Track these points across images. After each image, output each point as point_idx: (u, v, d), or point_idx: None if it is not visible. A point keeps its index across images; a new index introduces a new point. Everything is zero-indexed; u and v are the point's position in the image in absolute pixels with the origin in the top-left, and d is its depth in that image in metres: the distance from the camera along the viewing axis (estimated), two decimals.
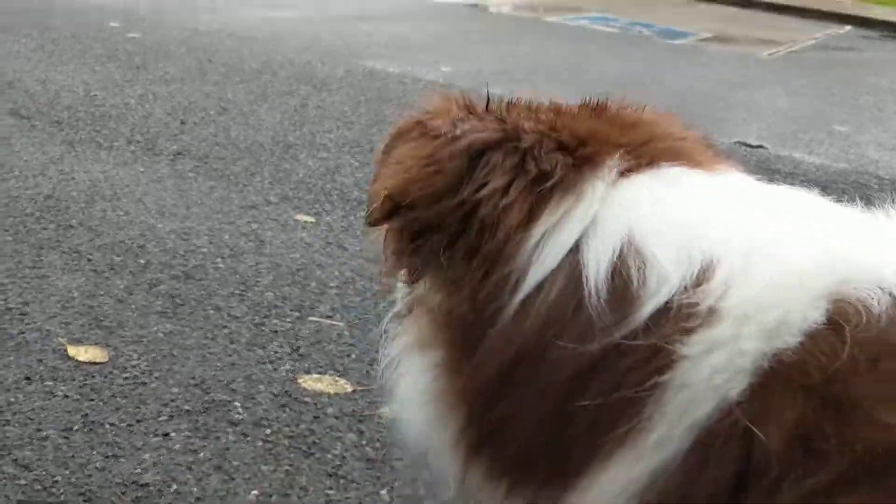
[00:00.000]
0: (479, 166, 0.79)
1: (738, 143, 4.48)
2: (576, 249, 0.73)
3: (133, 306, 2.16)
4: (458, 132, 0.81)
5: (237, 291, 2.29)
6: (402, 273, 0.88)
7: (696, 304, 0.68)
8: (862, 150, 4.62)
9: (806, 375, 0.63)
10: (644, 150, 0.82)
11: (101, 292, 2.21)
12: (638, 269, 0.70)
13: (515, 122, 0.82)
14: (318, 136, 3.75)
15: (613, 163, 0.79)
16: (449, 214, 0.79)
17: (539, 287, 0.74)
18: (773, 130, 4.87)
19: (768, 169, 4.02)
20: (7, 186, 2.80)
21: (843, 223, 0.76)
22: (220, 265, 2.43)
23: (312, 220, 2.83)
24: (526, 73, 5.82)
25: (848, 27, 11.49)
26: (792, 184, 3.39)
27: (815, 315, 0.66)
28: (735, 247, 0.71)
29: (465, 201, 0.78)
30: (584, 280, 0.71)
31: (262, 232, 2.69)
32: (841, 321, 0.65)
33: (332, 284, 2.40)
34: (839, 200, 3.35)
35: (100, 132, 3.45)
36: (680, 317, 0.68)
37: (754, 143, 4.51)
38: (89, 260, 2.37)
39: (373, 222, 0.85)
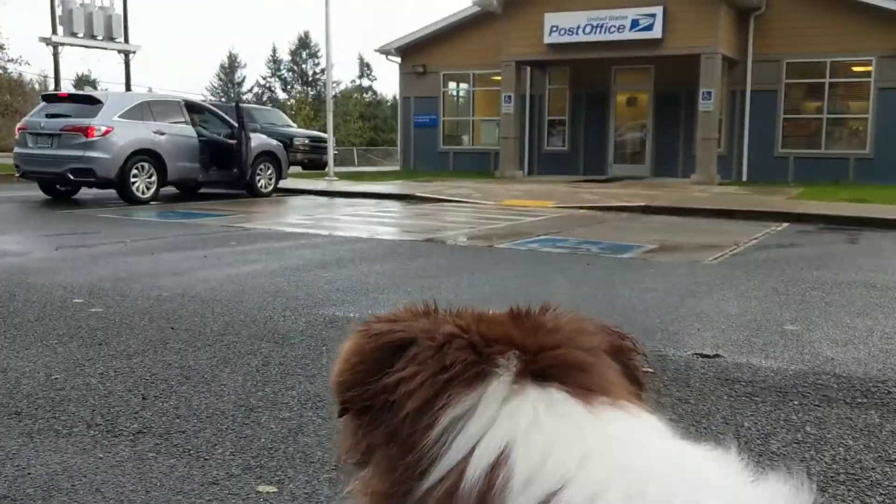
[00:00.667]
0: (399, 359, 0.90)
1: (695, 354, 4.57)
2: (474, 447, 0.81)
3: None
4: (385, 329, 0.94)
5: None
6: (352, 457, 0.95)
7: None
8: (816, 349, 4.73)
9: None
10: (543, 356, 0.88)
11: None
12: (502, 480, 0.77)
13: (439, 323, 0.93)
14: (281, 395, 3.77)
15: (509, 364, 0.86)
16: (371, 398, 0.89)
17: (442, 478, 0.81)
18: (726, 337, 5.00)
19: (728, 379, 4.09)
20: None
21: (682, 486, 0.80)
22: None
23: (275, 489, 2.78)
24: (481, 302, 5.92)
25: (785, 224, 12.17)
26: (753, 393, 3.43)
27: None
28: (588, 489, 0.76)
29: (384, 387, 0.88)
30: (465, 477, 0.79)
31: None
32: None
33: None
34: (801, 405, 3.38)
35: (58, 418, 3.43)
36: None
37: (710, 352, 4.61)
38: None
39: (338, 413, 0.96)
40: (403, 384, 0.87)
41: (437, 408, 0.84)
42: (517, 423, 0.81)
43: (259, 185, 16.36)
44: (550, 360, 0.87)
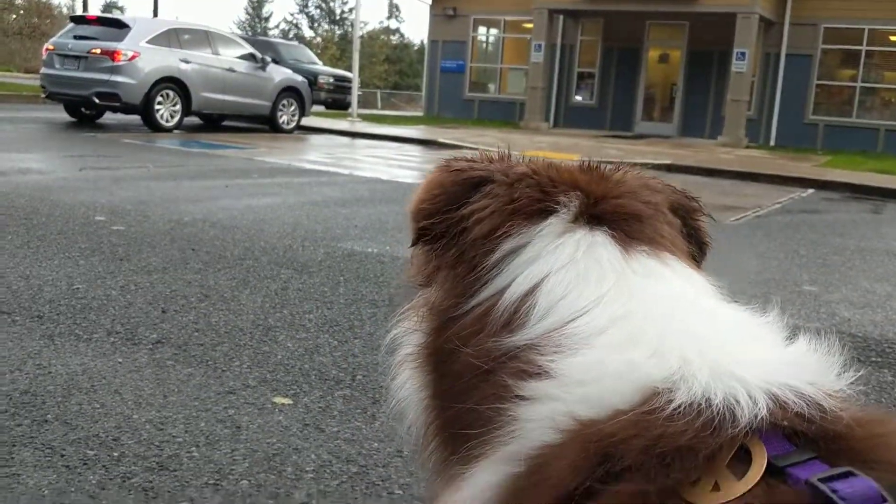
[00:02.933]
0: (476, 193, 0.99)
1: None
2: (517, 276, 0.89)
3: (105, 502, 2.11)
4: (465, 167, 1.04)
5: (211, 481, 2.25)
6: (419, 278, 1.05)
7: (545, 357, 0.79)
8: (833, 309, 4.72)
9: (590, 448, 0.70)
10: (602, 203, 0.95)
11: (73, 489, 2.16)
12: (527, 308, 0.84)
13: (513, 166, 1.03)
14: (298, 318, 3.81)
15: (570, 205, 0.94)
16: (447, 226, 0.98)
17: (486, 298, 0.89)
18: (744, 293, 4.99)
19: None
20: None
21: (709, 330, 0.83)
22: (195, 454, 2.40)
23: (290, 401, 2.83)
24: None
25: (810, 190, 12.02)
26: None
27: (626, 400, 0.73)
28: (593, 324, 0.81)
29: (459, 217, 0.97)
30: (501, 300, 0.87)
31: (238, 417, 2.67)
32: (643, 409, 0.72)
33: (308, 469, 2.36)
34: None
35: (80, 324, 3.49)
36: (531, 358, 0.79)
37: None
38: (62, 455, 2.34)
39: (412, 240, 1.05)
40: (476, 213, 0.96)
41: (498, 235, 0.92)
42: (556, 260, 0.88)
43: (281, 120, 16.27)
44: (607, 207, 0.94)
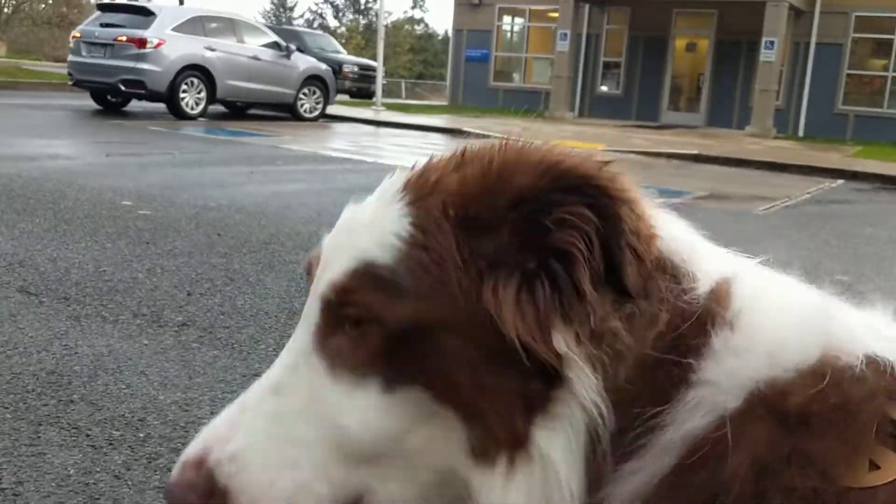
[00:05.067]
0: None
1: None
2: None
3: (130, 482, 2.10)
4: None
5: None
6: None
7: (726, 309, 0.74)
8: (866, 300, 4.62)
9: (783, 409, 0.67)
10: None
11: (98, 469, 2.15)
12: (690, 257, 0.80)
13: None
14: None
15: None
16: None
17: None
18: None
19: None
20: (10, 363, 2.80)
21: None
22: None
23: None
24: None
25: (840, 181, 11.83)
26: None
27: (810, 356, 0.70)
28: (750, 278, 0.80)
29: None
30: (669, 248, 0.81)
31: None
32: (826, 367, 0.69)
33: None
34: None
35: (106, 306, 3.49)
36: (716, 312, 0.74)
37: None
38: (88, 435, 2.33)
39: None
40: None
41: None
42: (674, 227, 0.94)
43: (305, 108, 16.24)
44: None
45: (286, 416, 0.78)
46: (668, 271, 0.76)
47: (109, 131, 11.33)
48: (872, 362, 0.69)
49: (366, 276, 0.74)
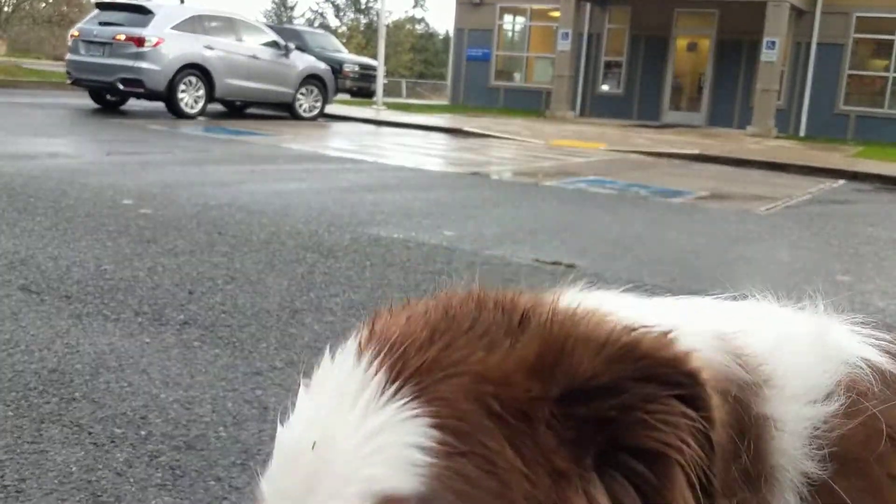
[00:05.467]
0: None
1: (743, 296, 4.49)
2: None
3: (132, 479, 2.10)
4: None
5: (239, 461, 2.24)
6: None
7: (758, 395, 0.66)
8: (867, 300, 4.63)
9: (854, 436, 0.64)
10: None
11: (100, 466, 2.15)
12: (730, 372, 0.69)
13: None
14: (325, 301, 3.79)
15: None
16: None
17: None
18: (775, 283, 4.87)
19: None
20: (12, 361, 2.80)
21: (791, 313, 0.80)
22: (223, 434, 2.39)
23: None
24: (526, 234, 5.94)
25: (841, 181, 11.83)
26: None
27: (835, 388, 0.67)
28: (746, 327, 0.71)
29: None
30: None
31: (266, 398, 2.66)
32: (851, 392, 0.67)
33: None
34: None
35: (108, 305, 3.49)
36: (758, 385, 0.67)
37: (758, 296, 4.53)
38: (90, 433, 2.33)
39: None
40: None
41: None
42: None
43: (303, 108, 16.17)
44: None
45: None
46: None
47: (110, 130, 11.33)
48: (875, 371, 0.69)
49: None
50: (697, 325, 0.67)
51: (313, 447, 0.53)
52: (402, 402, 0.53)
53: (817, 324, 0.74)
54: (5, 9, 41.62)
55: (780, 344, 0.69)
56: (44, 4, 43.92)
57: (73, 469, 2.13)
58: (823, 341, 0.71)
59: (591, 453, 0.56)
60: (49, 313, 3.33)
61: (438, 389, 0.54)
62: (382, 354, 0.56)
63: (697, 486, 0.56)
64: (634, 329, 0.58)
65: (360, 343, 0.58)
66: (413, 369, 0.55)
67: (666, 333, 0.60)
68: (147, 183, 6.76)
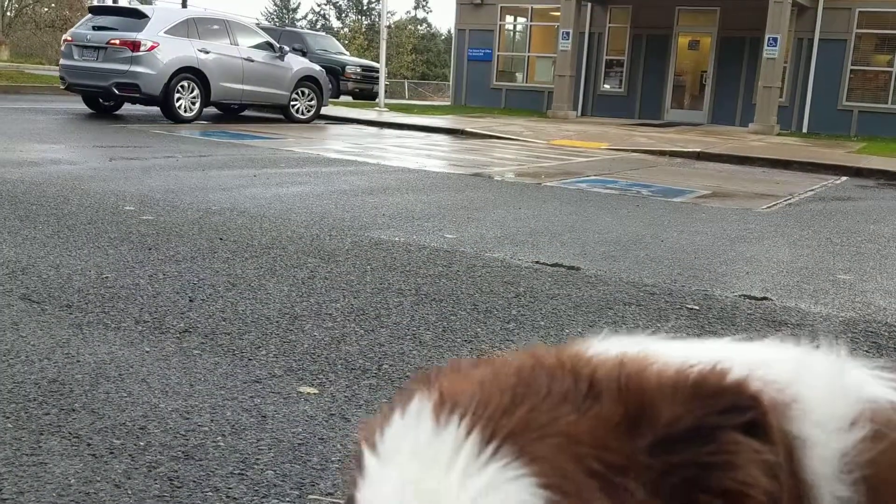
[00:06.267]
0: None
1: (743, 296, 4.49)
2: None
3: (130, 491, 2.11)
4: None
5: (237, 471, 2.24)
6: None
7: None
8: (868, 298, 4.62)
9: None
10: None
11: (99, 478, 2.16)
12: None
13: None
14: (325, 306, 3.79)
15: None
16: None
17: None
18: (776, 282, 4.90)
19: (775, 321, 4.01)
20: (12, 372, 2.81)
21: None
22: (221, 443, 2.40)
23: (316, 391, 2.82)
24: (527, 235, 5.95)
25: (844, 177, 11.81)
26: (799, 336, 3.39)
27: (857, 408, 0.65)
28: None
29: None
30: None
31: (264, 406, 2.67)
32: (873, 413, 0.65)
33: (333, 459, 2.35)
34: (850, 351, 3.33)
35: (108, 313, 3.51)
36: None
37: (758, 295, 4.52)
38: (89, 444, 2.34)
39: None
40: None
41: None
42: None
43: (297, 110, 16.06)
44: None
45: None
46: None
47: (112, 135, 11.36)
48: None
49: None
50: (724, 358, 0.66)
51: None
52: (504, 462, 0.52)
53: (835, 361, 0.73)
54: (8, 13, 41.75)
55: (800, 374, 0.68)
56: (46, 9, 44.05)
57: (72, 481, 2.14)
58: (843, 376, 0.71)
59: (679, 500, 0.55)
60: (50, 323, 3.34)
61: (537, 450, 0.53)
62: (469, 416, 0.54)
63: None
64: (692, 366, 0.59)
65: (432, 403, 0.56)
66: (507, 430, 0.53)
67: (718, 365, 0.60)
68: (149, 188, 6.78)
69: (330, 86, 17.94)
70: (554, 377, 0.58)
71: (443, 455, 0.52)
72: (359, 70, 25.36)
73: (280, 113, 16.11)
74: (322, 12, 69.43)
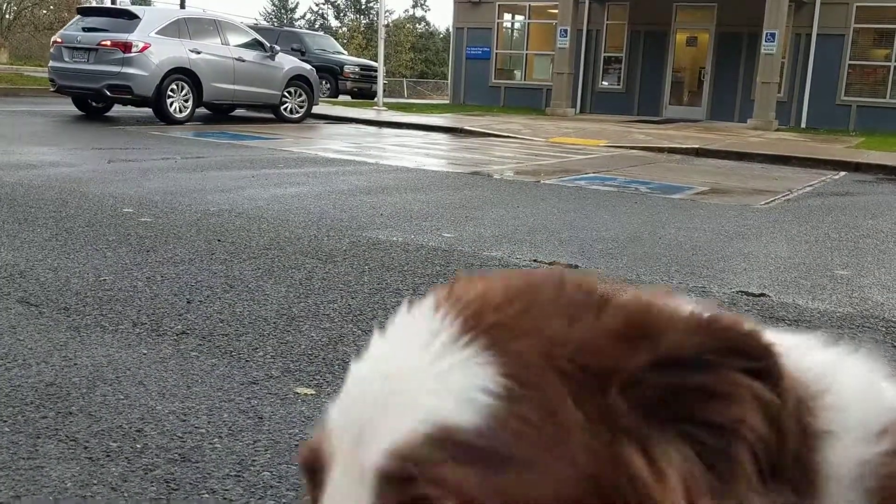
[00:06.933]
0: None
1: (740, 292, 4.49)
2: None
3: (127, 494, 2.12)
4: None
5: (233, 472, 2.25)
6: None
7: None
8: (866, 294, 4.62)
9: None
10: None
11: (96, 481, 2.17)
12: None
13: None
14: (322, 307, 3.80)
15: None
16: None
17: None
18: (774, 278, 4.90)
19: (772, 317, 4.02)
20: (10, 376, 2.82)
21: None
22: (218, 445, 2.40)
23: (313, 392, 2.82)
24: (526, 234, 5.95)
25: (843, 173, 11.81)
26: (797, 331, 3.39)
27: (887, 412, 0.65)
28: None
29: None
30: None
31: (261, 408, 2.67)
32: None
33: None
34: (892, 359, 3.34)
35: (106, 316, 3.51)
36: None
37: (756, 291, 4.53)
38: (86, 447, 2.35)
39: None
40: None
41: None
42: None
43: (288, 110, 15.99)
44: None
45: None
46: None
47: (111, 137, 11.37)
48: None
49: (447, 445, 0.53)
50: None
51: (384, 378, 0.56)
52: (474, 349, 0.56)
53: (874, 365, 0.72)
54: (6, 16, 41.75)
55: (837, 370, 0.66)
56: (45, 12, 44.08)
57: (69, 485, 2.15)
58: (880, 381, 0.69)
59: (660, 421, 0.55)
60: (47, 326, 3.35)
61: (512, 345, 0.56)
62: (459, 309, 0.58)
63: (765, 467, 0.56)
64: (721, 313, 0.59)
65: (437, 299, 0.61)
66: (489, 324, 0.57)
67: (748, 320, 0.59)
68: (148, 190, 6.78)
69: (329, 85, 17.90)
70: (566, 291, 0.60)
71: (425, 338, 0.57)
72: (357, 69, 25.37)
73: (270, 112, 16.05)
74: (320, 12, 69.41)
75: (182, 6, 24.92)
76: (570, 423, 0.54)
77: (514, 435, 0.53)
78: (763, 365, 0.56)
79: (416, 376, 0.56)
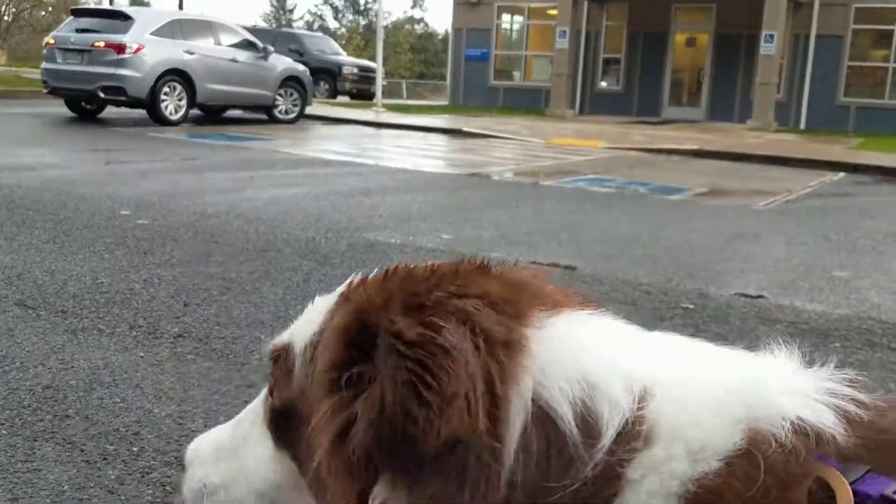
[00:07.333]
0: None
1: (738, 294, 4.49)
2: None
3: (123, 497, 2.12)
4: None
5: None
6: None
7: (640, 427, 0.69)
8: (863, 295, 4.62)
9: (723, 501, 0.65)
10: (549, 300, 0.83)
11: (92, 484, 2.17)
12: (594, 401, 0.70)
13: None
14: None
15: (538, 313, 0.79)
16: None
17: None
18: (772, 280, 4.91)
19: (769, 319, 4.02)
20: (7, 378, 2.82)
21: (732, 359, 0.78)
22: None
23: None
24: (524, 235, 5.95)
25: (842, 174, 11.82)
26: (794, 333, 3.39)
27: (733, 439, 0.67)
28: (661, 375, 0.73)
29: None
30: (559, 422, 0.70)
31: None
32: (754, 447, 0.66)
33: None
34: (843, 347, 3.32)
35: (103, 318, 3.51)
36: (629, 439, 0.69)
37: (753, 293, 4.53)
38: (82, 450, 2.35)
39: None
40: None
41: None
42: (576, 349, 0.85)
43: (281, 111, 15.95)
44: (556, 302, 0.89)
45: (228, 446, 0.97)
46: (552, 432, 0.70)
47: (108, 139, 11.37)
48: (797, 428, 0.67)
49: (282, 352, 0.91)
50: (621, 387, 0.72)
51: (308, 314, 0.94)
52: (334, 300, 0.90)
53: (747, 379, 0.72)
54: (5, 18, 41.75)
55: (691, 377, 0.72)
56: (43, 13, 44.08)
57: (66, 488, 2.15)
58: (742, 397, 0.70)
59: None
60: (45, 329, 3.35)
61: (337, 311, 0.86)
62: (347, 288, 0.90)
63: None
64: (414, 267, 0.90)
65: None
66: (349, 290, 0.89)
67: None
68: (145, 192, 6.78)
69: (328, 86, 17.88)
70: (436, 270, 0.84)
71: (323, 301, 0.92)
72: (356, 70, 25.37)
73: (263, 113, 16.01)
74: (319, 13, 69.43)
75: (180, 8, 24.92)
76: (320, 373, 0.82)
77: (304, 365, 0.87)
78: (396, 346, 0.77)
79: (316, 310, 0.92)
